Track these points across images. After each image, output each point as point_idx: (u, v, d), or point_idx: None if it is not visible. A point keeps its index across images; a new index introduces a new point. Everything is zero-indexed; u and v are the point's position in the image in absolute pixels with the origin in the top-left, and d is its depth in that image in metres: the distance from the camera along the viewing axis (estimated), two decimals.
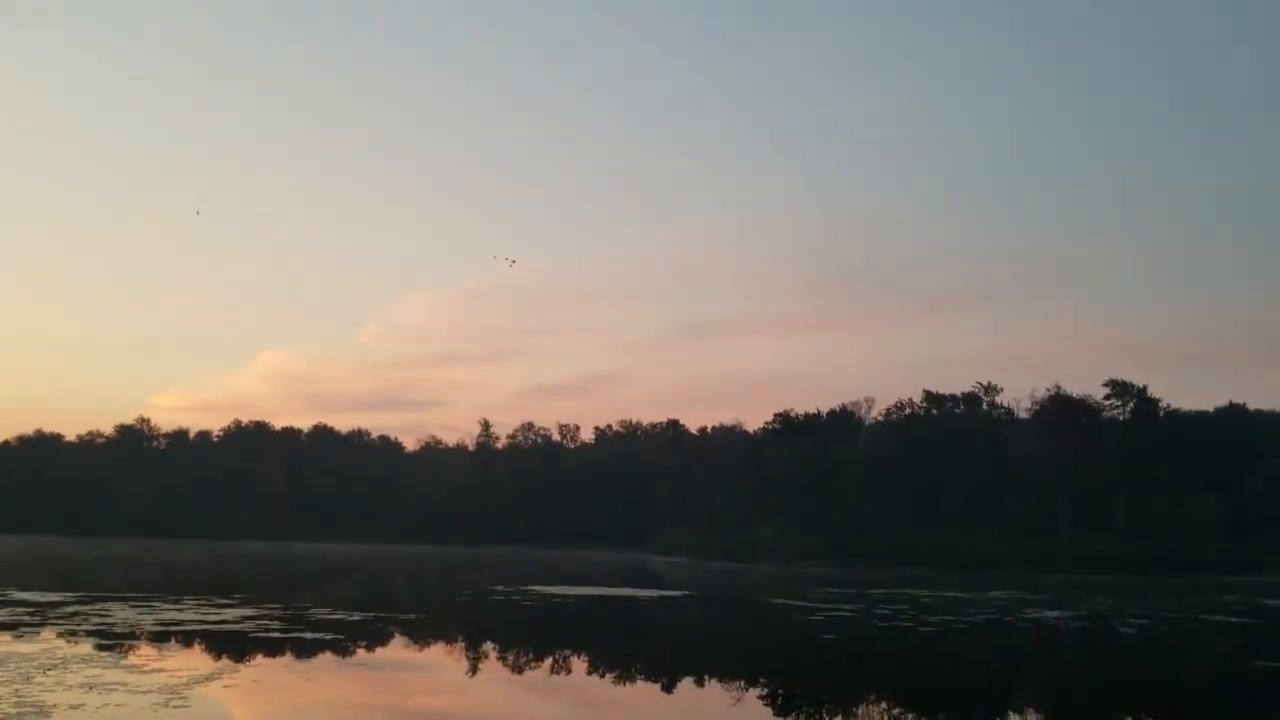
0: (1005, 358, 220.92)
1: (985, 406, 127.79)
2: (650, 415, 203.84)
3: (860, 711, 17.02)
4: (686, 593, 52.04)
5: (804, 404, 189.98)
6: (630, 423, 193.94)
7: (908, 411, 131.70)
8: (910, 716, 16.68)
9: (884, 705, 17.82)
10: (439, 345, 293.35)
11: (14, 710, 13.13)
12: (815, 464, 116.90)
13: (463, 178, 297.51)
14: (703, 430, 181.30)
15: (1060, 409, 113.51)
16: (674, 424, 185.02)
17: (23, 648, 20.19)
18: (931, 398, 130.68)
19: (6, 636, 22.28)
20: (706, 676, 20.68)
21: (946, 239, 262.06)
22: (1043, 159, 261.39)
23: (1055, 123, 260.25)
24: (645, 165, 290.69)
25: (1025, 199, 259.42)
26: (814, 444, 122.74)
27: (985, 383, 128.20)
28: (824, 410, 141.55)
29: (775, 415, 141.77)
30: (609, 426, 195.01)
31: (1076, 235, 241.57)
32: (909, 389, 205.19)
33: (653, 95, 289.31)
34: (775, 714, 16.53)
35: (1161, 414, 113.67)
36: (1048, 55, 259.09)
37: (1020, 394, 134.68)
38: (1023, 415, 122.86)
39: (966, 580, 70.93)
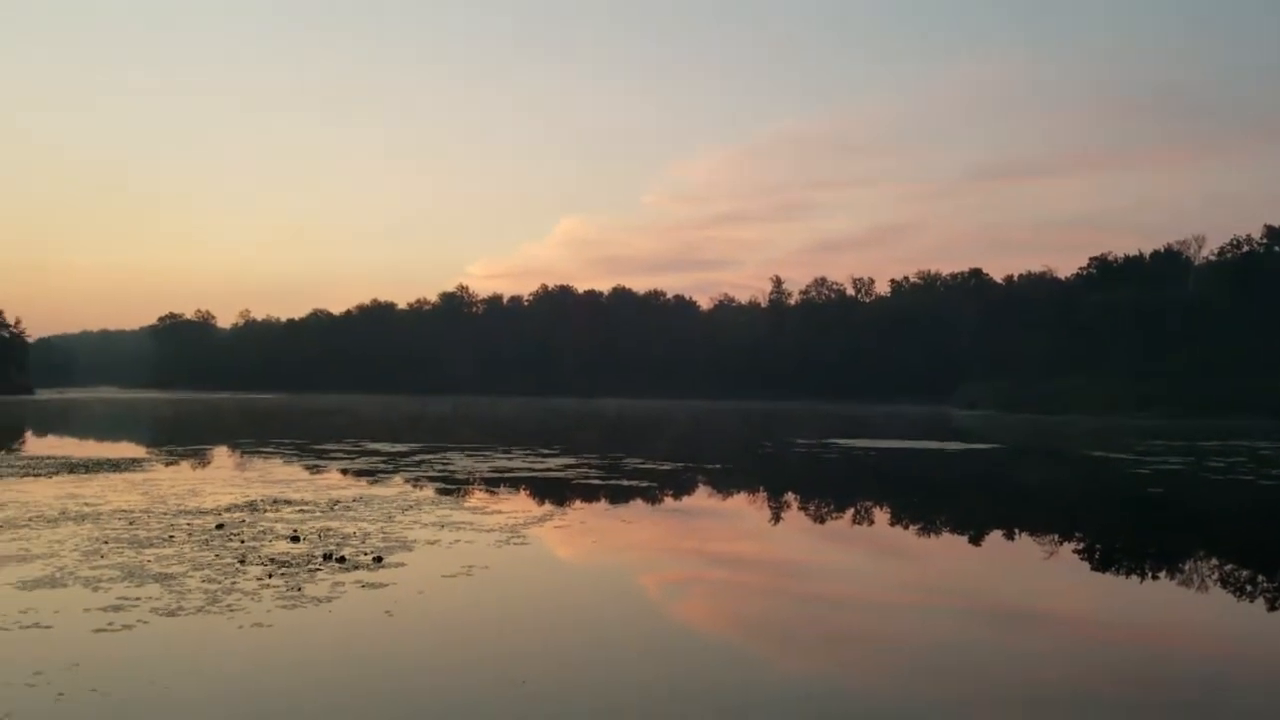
0: None
1: None
2: (949, 265, 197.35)
3: (1188, 567, 16.12)
4: (994, 445, 50.68)
5: (1122, 246, 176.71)
6: (928, 273, 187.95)
7: (1245, 249, 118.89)
8: (1245, 574, 15.62)
9: (1215, 561, 16.77)
10: (725, 204, 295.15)
11: (382, 544, 15.04)
12: (1137, 310, 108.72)
13: (740, 34, 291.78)
14: (1008, 279, 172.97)
15: None
16: (976, 273, 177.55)
17: (381, 491, 22.92)
18: (1273, 233, 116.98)
19: (364, 482, 25.33)
20: (1016, 530, 20.25)
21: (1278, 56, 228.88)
22: None
23: None
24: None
25: None
26: (1136, 288, 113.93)
27: None
28: (1146, 252, 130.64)
29: (1090, 259, 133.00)
30: (905, 278, 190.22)
31: None
32: (1246, 225, 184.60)
33: None
34: (1093, 569, 15.97)
35: None
36: None
37: None
38: None
39: None
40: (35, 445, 41.12)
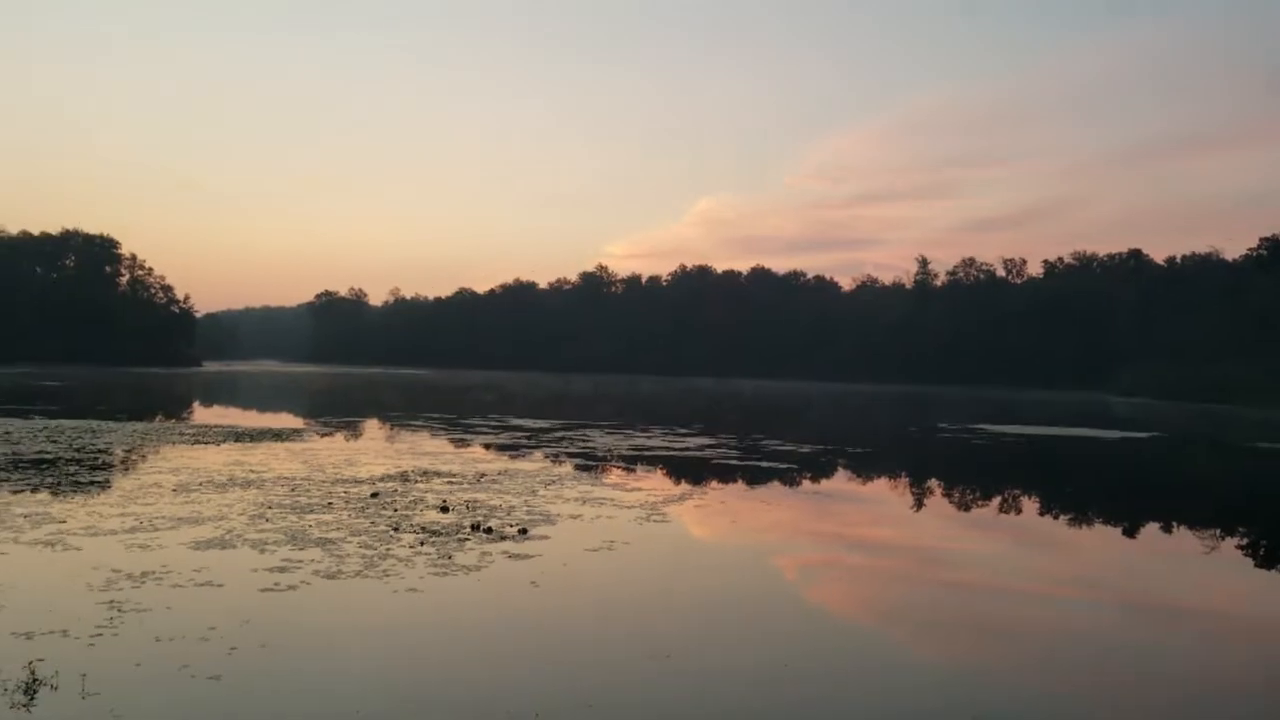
0: None
1: None
2: (1107, 245, 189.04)
3: None
4: (1152, 434, 48.47)
5: None
6: (1083, 254, 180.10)
7: None
8: None
9: None
10: (870, 182, 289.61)
11: (527, 517, 15.47)
12: None
13: (888, 5, 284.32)
14: (1170, 260, 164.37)
15: None
16: (1135, 254, 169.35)
17: (524, 466, 23.52)
18: None
19: (508, 456, 26.00)
20: (1174, 523, 19.41)
21: None
22: None
23: None
24: None
25: None
26: None
27: None
28: None
29: (1261, 240, 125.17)
30: (1059, 259, 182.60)
31: None
32: None
33: None
34: (1256, 565, 15.19)
35: None
36: None
37: None
38: None
39: None
40: (203, 415, 43.67)
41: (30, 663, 7.63)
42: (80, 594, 9.85)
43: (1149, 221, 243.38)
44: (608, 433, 35.97)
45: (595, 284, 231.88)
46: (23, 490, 16.85)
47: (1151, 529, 18.71)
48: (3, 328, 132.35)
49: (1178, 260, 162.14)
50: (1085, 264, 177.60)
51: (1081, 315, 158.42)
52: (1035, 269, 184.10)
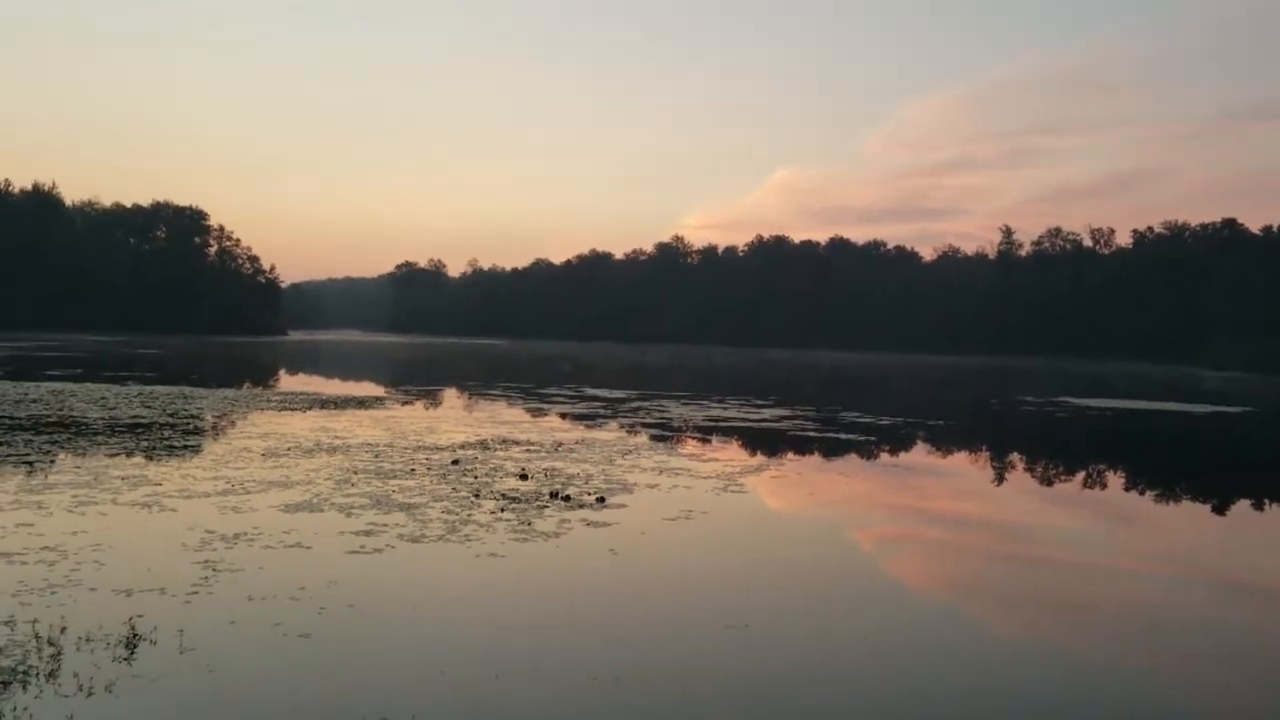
0: None
1: None
2: (1200, 215, 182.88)
3: None
4: (1246, 409, 46.89)
5: None
6: (1175, 224, 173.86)
7: None
8: None
9: None
10: (951, 151, 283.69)
11: (604, 485, 15.61)
12: None
13: None
14: (1267, 230, 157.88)
15: None
16: (1230, 223, 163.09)
17: (601, 435, 23.69)
18: None
19: (584, 426, 26.18)
20: (1264, 500, 18.80)
21: None
22: None
23: None
24: None
25: None
26: None
27: None
28: None
29: None
30: (1149, 229, 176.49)
31: None
32: None
33: None
34: None
35: None
36: None
37: None
38: None
39: None
40: (289, 382, 44.76)
41: (130, 619, 7.95)
42: (176, 554, 10.22)
43: (1244, 191, 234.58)
44: (683, 403, 36.02)
45: (671, 255, 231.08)
46: (120, 454, 17.49)
47: (1240, 506, 18.20)
48: (102, 298, 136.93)
49: (1275, 230, 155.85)
50: (1177, 234, 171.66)
51: (1173, 286, 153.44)
52: (1124, 239, 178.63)
